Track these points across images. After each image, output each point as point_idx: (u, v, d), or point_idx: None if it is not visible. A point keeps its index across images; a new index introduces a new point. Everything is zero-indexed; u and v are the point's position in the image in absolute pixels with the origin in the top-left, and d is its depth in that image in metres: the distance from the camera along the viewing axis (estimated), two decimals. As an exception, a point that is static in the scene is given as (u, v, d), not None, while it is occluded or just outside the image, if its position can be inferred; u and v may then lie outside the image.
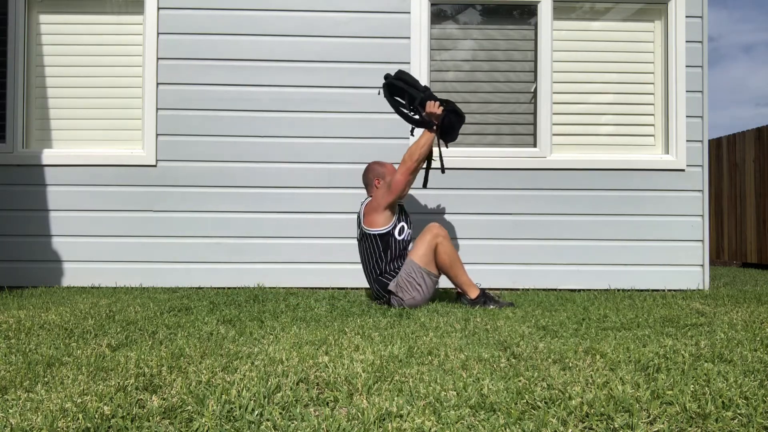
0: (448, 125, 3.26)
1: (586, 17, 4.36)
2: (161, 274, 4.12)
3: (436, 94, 3.41)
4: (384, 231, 3.25)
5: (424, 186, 3.51)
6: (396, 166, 3.47)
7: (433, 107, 3.19)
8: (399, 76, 3.32)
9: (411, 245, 3.35)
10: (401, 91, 3.30)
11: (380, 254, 3.28)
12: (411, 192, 4.16)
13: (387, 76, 3.33)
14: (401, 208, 3.42)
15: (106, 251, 4.12)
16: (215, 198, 4.15)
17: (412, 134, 3.47)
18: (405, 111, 3.34)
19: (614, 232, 4.21)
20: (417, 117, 3.32)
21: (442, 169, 3.47)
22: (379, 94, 3.36)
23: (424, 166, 3.42)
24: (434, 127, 3.24)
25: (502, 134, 4.32)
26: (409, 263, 3.22)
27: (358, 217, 3.39)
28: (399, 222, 3.31)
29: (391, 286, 3.21)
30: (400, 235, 3.30)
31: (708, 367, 1.73)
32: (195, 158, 4.15)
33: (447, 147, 3.51)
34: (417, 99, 3.24)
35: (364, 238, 3.32)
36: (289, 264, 4.13)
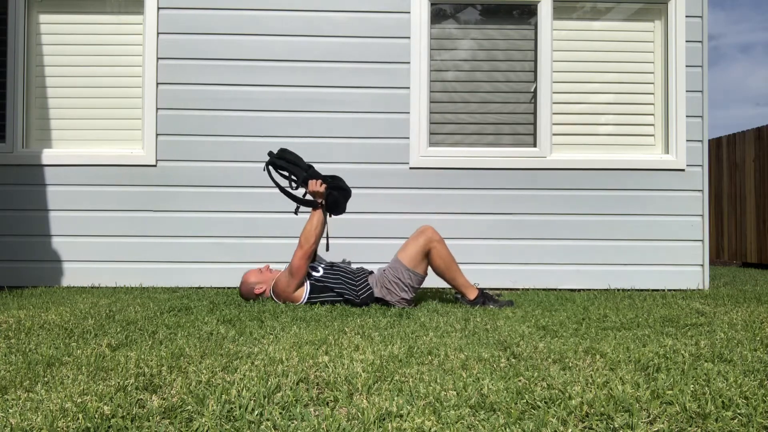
0: (332, 203, 3.23)
1: (586, 17, 4.36)
2: (161, 274, 4.12)
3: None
4: (305, 297, 3.17)
5: (327, 250, 3.41)
6: (275, 268, 3.41)
7: (315, 186, 3.15)
8: (281, 155, 3.26)
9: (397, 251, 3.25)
10: (284, 168, 3.25)
11: (329, 293, 3.19)
12: (407, 192, 4.17)
13: (270, 154, 3.27)
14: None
15: (105, 251, 4.12)
16: (215, 198, 4.15)
17: (296, 214, 3.30)
18: (289, 190, 3.28)
19: (614, 232, 4.21)
20: (301, 196, 3.29)
21: (327, 247, 3.37)
22: (263, 170, 3.26)
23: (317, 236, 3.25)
24: (320, 204, 3.21)
25: (502, 134, 4.32)
26: (396, 263, 3.21)
27: (271, 297, 3.27)
28: (305, 278, 3.20)
29: (378, 293, 3.19)
30: (318, 272, 3.23)
31: (708, 367, 1.73)
32: (195, 158, 4.15)
33: (331, 217, 3.40)
34: (300, 177, 3.21)
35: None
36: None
